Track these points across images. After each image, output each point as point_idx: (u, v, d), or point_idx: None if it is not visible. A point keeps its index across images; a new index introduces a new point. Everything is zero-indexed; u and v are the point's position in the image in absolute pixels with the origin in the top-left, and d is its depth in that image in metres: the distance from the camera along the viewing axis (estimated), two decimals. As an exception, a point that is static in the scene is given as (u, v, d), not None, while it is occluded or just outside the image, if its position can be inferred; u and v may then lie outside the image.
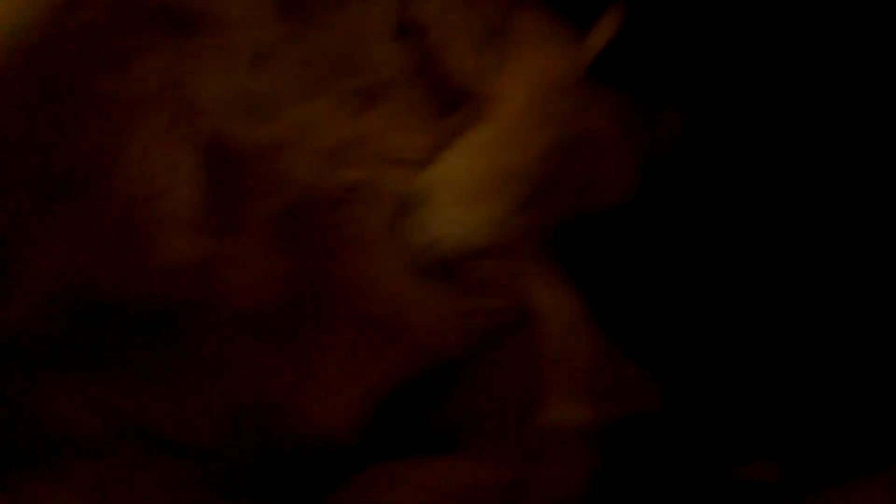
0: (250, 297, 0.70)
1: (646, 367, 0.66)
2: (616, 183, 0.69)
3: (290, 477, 0.72)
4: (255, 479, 0.72)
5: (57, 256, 0.69)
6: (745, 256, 0.66)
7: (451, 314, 0.73)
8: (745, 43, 0.72)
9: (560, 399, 0.71)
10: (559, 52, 0.85)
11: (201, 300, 0.70)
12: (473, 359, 0.74)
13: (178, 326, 0.70)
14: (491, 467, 0.70)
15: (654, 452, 0.65)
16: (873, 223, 0.64)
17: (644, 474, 0.64)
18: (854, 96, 0.65)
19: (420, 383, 0.72)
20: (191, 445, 0.71)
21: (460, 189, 0.77)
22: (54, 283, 0.69)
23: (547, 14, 0.86)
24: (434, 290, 0.74)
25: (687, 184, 0.68)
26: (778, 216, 0.67)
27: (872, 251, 0.64)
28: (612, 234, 0.69)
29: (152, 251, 0.68)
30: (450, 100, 0.83)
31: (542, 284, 0.74)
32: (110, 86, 0.73)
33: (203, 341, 0.70)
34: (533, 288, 0.75)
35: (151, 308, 0.68)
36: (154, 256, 0.67)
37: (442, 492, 0.70)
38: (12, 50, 0.74)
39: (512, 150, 0.79)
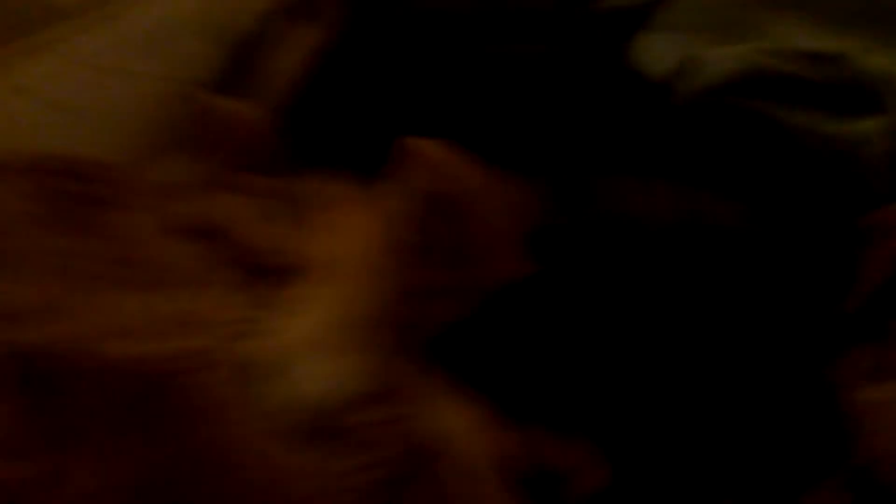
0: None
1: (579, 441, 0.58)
2: (506, 258, 0.64)
3: None
4: None
5: None
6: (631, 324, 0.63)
7: (334, 475, 0.63)
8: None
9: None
10: (369, 209, 0.83)
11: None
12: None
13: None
14: None
15: None
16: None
17: None
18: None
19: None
20: None
21: (316, 346, 0.70)
22: None
23: (343, 180, 0.86)
24: (310, 453, 0.64)
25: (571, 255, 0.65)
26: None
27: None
28: (507, 313, 0.63)
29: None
30: (254, 274, 0.78)
31: (436, 415, 0.66)
32: None
33: None
34: (426, 423, 0.66)
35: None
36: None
37: None
38: None
39: (358, 299, 0.74)
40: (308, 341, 0.70)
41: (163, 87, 0.99)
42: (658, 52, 0.90)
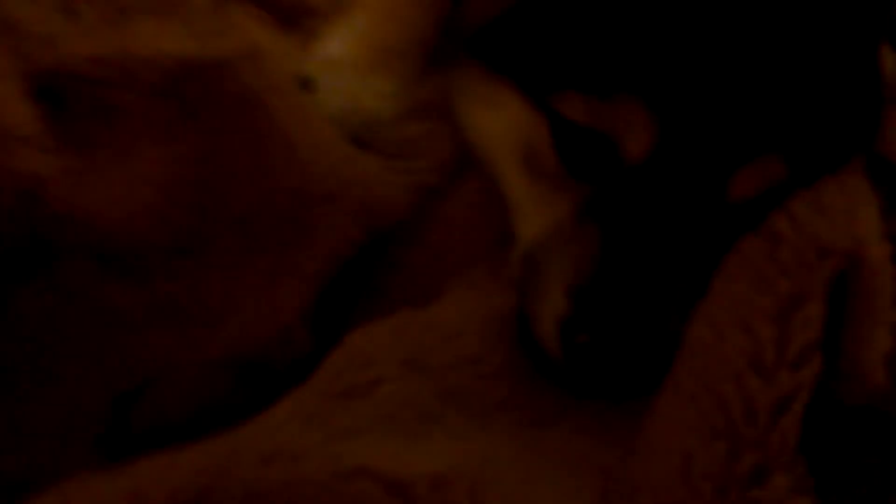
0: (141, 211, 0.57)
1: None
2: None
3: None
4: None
5: None
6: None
7: (390, 173, 0.67)
8: None
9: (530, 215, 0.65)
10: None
11: (75, 229, 0.57)
12: (423, 215, 0.68)
13: (52, 268, 0.56)
14: (501, 294, 0.64)
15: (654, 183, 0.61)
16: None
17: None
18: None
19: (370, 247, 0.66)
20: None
21: (352, 66, 0.73)
22: None
23: None
24: (366, 152, 0.68)
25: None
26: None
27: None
28: None
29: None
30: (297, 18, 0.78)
31: (476, 117, 0.69)
32: None
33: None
34: (464, 130, 0.70)
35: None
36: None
37: (464, 322, 0.63)
38: None
39: (396, 26, 0.76)
40: (351, 62, 0.73)
41: None
42: None
